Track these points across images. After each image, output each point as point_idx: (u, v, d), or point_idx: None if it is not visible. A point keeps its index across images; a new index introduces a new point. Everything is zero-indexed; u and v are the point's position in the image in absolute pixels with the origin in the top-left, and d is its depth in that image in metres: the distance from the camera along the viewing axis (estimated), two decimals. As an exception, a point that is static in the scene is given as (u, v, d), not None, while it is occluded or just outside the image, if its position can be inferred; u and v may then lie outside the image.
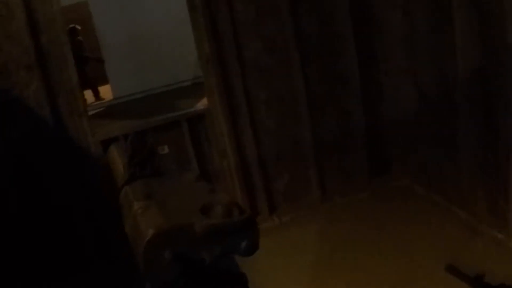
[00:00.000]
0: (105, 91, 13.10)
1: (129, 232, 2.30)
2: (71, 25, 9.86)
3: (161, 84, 10.68)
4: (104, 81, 12.73)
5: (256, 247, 2.04)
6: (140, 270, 1.95)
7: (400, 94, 5.60)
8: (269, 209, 5.65)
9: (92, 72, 14.51)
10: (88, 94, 10.48)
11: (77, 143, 5.07)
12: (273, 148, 5.58)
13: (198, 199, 2.11)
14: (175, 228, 1.94)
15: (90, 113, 10.90)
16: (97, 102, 10.87)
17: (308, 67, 5.45)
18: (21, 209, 4.95)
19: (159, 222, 1.98)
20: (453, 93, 4.76)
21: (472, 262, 2.53)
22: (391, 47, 5.56)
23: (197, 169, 5.35)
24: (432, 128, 5.29)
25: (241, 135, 5.41)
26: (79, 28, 9.95)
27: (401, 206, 5.42)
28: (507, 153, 4.25)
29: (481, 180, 4.70)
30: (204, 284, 1.86)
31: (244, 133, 5.41)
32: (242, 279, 1.97)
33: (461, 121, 4.75)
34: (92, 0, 10.75)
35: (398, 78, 5.56)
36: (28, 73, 4.80)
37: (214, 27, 5.09)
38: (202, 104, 5.51)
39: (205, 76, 5.17)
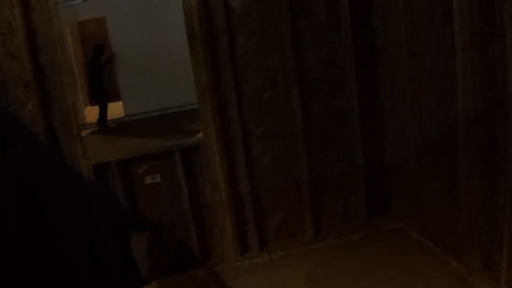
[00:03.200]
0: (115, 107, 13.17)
1: None
2: (97, 43, 9.97)
3: (174, 104, 10.71)
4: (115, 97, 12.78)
5: None
6: None
7: (403, 135, 5.45)
8: (259, 245, 5.52)
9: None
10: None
11: (70, 165, 5.04)
12: (268, 183, 5.47)
13: None
14: None
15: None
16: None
17: (308, 103, 5.36)
18: (21, 225, 4.93)
19: None
20: (455, 138, 4.61)
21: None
22: (396, 86, 5.43)
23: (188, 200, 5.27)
24: (432, 172, 5.13)
25: (235, 168, 5.32)
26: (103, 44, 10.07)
27: (394, 251, 5.23)
28: (504, 202, 4.08)
29: (477, 230, 4.52)
30: None
31: (238, 167, 5.32)
32: None
33: (462, 168, 4.58)
34: (109, 15, 10.86)
35: (402, 118, 5.42)
36: (25, 91, 4.80)
37: (213, 58, 5.05)
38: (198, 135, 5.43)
39: (200, 107, 5.10)
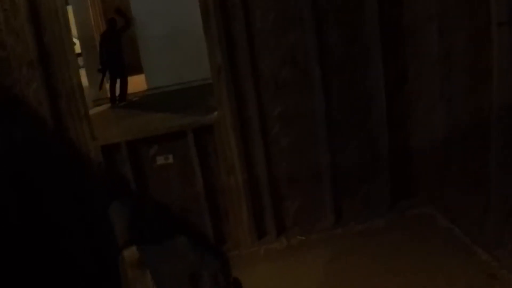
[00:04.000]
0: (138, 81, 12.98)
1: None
2: (110, 17, 9.72)
3: (196, 78, 10.48)
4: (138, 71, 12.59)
5: None
6: None
7: (430, 119, 5.09)
8: (277, 230, 5.29)
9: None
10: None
11: (77, 147, 4.85)
12: (286, 166, 5.20)
13: (188, 266, 2.33)
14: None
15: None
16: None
17: (330, 84, 5.02)
18: (20, 211, 4.80)
19: None
20: (488, 125, 4.24)
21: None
22: (425, 67, 5.04)
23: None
24: (462, 159, 4.79)
25: (252, 151, 5.06)
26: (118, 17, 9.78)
27: (420, 240, 4.94)
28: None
29: (509, 222, 4.20)
30: None
31: (255, 150, 5.05)
32: None
33: (493, 156, 4.24)
34: (132, -12, 10.62)
35: (430, 101, 5.05)
36: (29, 70, 4.59)
37: (228, 35, 4.74)
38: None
39: (215, 86, 4.82)
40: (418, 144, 5.30)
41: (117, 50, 9.49)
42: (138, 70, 12.70)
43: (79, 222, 4.90)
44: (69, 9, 12.51)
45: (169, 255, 2.80)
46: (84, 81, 11.90)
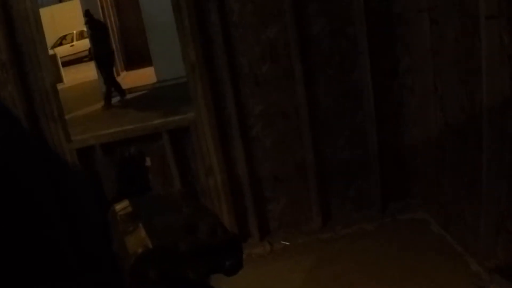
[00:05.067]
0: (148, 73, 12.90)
1: (116, 251, 2.35)
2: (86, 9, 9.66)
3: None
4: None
5: (240, 266, 2.16)
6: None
7: (423, 116, 4.73)
8: (260, 234, 5.04)
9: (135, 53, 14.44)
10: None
11: (53, 149, 4.71)
12: (269, 167, 4.94)
13: (183, 217, 2.16)
14: (160, 248, 1.97)
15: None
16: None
17: (314, 78, 4.72)
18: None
19: (144, 243, 2.02)
20: (480, 124, 3.87)
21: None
22: (416, 60, 4.67)
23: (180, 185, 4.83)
24: (455, 160, 4.42)
25: (232, 151, 4.81)
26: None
27: (410, 247, 4.61)
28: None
29: (502, 233, 3.85)
30: None
31: (235, 149, 4.80)
32: None
33: (486, 160, 3.87)
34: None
35: (423, 97, 4.68)
36: (3, 72, 4.48)
37: (202, 29, 4.48)
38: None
39: (190, 85, 4.57)
40: (410, 143, 4.95)
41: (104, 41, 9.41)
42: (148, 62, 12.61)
43: (57, 210, 4.81)
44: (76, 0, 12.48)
45: (163, 206, 2.57)
46: (94, 74, 11.95)
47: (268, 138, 4.83)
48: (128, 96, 10.85)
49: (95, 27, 9.75)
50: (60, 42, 22.63)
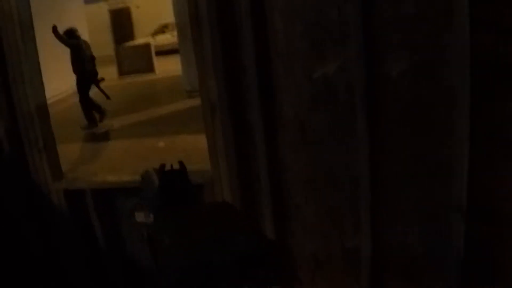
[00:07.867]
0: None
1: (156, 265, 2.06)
2: (68, 28, 8.60)
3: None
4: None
5: (280, 277, 1.88)
6: None
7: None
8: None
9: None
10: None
11: (37, 186, 3.68)
12: (311, 250, 3.56)
13: (223, 229, 1.88)
14: (199, 263, 1.71)
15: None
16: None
17: (384, 138, 3.24)
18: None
19: (185, 257, 1.77)
20: None
21: None
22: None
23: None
24: None
25: (260, 223, 3.48)
26: (76, 29, 8.60)
27: None
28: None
29: None
30: None
31: (264, 224, 3.47)
32: None
33: None
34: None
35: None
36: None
37: (229, 53, 3.17)
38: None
39: (207, 130, 3.29)
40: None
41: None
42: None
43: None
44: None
45: (203, 218, 2.13)
46: (178, 69, 10.98)
47: (311, 213, 3.44)
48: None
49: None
50: (162, 29, 21.42)
